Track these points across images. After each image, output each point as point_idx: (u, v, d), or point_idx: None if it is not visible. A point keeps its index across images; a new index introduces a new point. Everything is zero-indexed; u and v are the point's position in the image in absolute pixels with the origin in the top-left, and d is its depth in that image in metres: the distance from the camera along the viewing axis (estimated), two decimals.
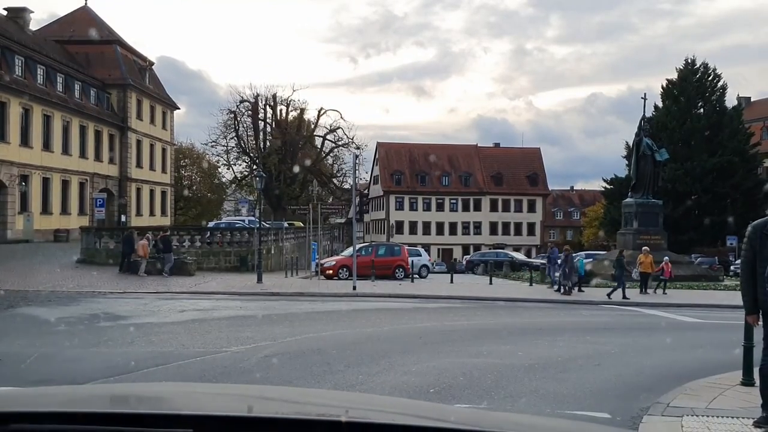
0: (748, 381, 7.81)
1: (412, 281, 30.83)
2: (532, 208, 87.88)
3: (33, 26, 48.82)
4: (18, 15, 46.09)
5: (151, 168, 57.55)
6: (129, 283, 23.99)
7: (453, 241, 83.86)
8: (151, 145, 57.44)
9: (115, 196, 51.57)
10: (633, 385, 8.57)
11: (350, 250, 31.65)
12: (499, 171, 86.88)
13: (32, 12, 47.77)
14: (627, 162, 52.07)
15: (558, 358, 10.50)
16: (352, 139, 69.84)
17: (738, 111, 57.65)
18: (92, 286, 22.47)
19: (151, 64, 59.94)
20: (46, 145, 42.95)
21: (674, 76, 58.31)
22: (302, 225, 47.11)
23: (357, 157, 33.33)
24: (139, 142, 54.87)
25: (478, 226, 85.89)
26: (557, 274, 25.54)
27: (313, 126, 72.33)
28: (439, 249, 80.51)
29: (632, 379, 9.02)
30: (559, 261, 25.60)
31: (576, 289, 25.14)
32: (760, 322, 6.36)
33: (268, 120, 70.45)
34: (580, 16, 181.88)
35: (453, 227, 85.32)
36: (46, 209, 42.69)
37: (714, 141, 54.68)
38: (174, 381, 7.93)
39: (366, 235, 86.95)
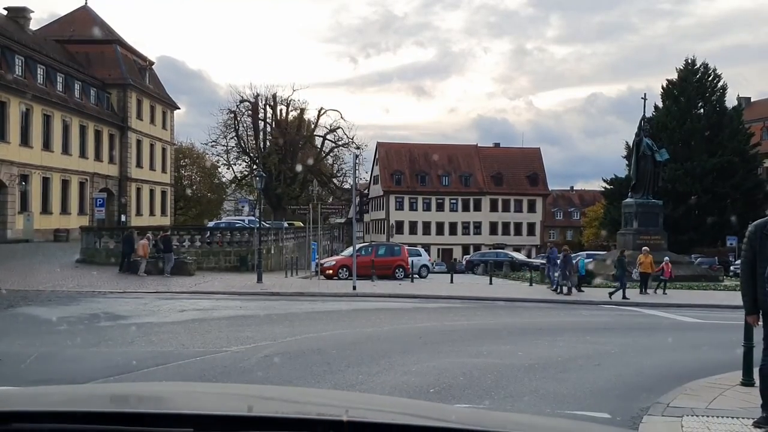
0: (748, 381, 7.81)
1: (412, 281, 30.84)
2: (532, 208, 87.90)
3: (33, 26, 48.82)
4: (18, 14, 46.09)
5: (151, 168, 57.55)
6: (129, 282, 24.00)
7: (453, 241, 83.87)
8: (151, 145, 57.44)
9: (115, 195, 51.57)
10: (633, 385, 8.57)
11: (350, 250, 31.66)
12: (499, 171, 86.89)
13: (32, 12, 47.81)
14: (627, 162, 52.10)
15: (558, 358, 10.50)
16: (352, 139, 69.87)
17: (738, 111, 57.68)
18: (92, 285, 22.48)
19: (151, 63, 59.95)
20: (46, 145, 42.95)
21: (674, 76, 58.37)
22: (302, 225, 47.12)
23: (357, 157, 33.35)
24: (139, 142, 54.88)
25: (478, 226, 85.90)
26: (556, 274, 25.57)
27: (313, 126, 72.32)
28: (439, 249, 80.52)
29: (632, 379, 9.02)
30: (558, 261, 25.63)
31: (575, 288, 25.15)
32: (760, 323, 6.36)
33: (268, 120, 70.45)
34: (580, 16, 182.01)
35: (453, 227, 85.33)
36: (46, 209, 42.70)
37: (714, 141, 54.70)
38: (174, 381, 7.93)
39: (366, 235, 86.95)
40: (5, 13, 45.53)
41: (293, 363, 9.58)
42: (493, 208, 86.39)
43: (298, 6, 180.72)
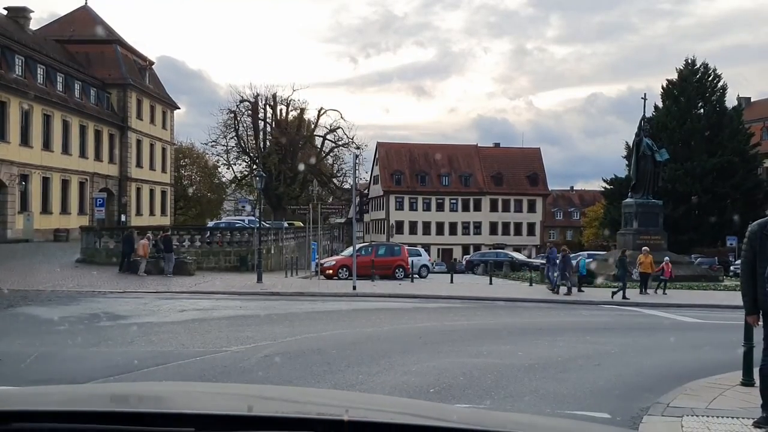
0: (748, 381, 7.81)
1: (412, 281, 30.84)
2: (532, 208, 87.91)
3: (33, 26, 48.82)
4: (18, 14, 46.09)
5: (151, 168, 57.55)
6: (129, 282, 24.00)
7: (453, 241, 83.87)
8: (151, 145, 57.44)
9: (115, 195, 51.57)
10: (633, 385, 8.57)
11: (350, 250, 31.66)
12: (499, 171, 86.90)
13: (32, 11, 47.82)
14: (627, 162, 52.10)
15: (558, 358, 10.50)
16: (352, 139, 69.89)
17: (738, 111, 57.68)
18: (92, 285, 22.48)
19: (151, 63, 59.95)
20: (46, 145, 42.95)
21: (674, 76, 58.37)
22: (302, 225, 47.12)
23: (357, 157, 33.36)
24: (139, 142, 54.88)
25: (478, 226, 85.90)
26: (555, 274, 25.59)
27: (313, 126, 72.34)
28: (439, 249, 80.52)
29: (632, 379, 9.02)
30: (557, 261, 25.65)
31: (576, 289, 25.16)
32: (760, 323, 6.36)
33: (268, 120, 70.47)
34: (580, 16, 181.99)
35: (453, 227, 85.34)
36: (46, 209, 42.69)
37: (714, 141, 54.71)
38: (174, 380, 7.93)
39: (366, 235, 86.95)
40: (5, 12, 45.54)
41: (293, 363, 9.58)
42: (493, 208, 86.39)
43: (298, 6, 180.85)
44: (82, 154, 47.25)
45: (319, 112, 71.56)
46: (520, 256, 52.97)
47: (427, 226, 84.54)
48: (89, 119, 47.93)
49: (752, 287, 6.30)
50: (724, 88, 57.28)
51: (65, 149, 45.04)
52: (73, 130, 45.92)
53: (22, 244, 36.78)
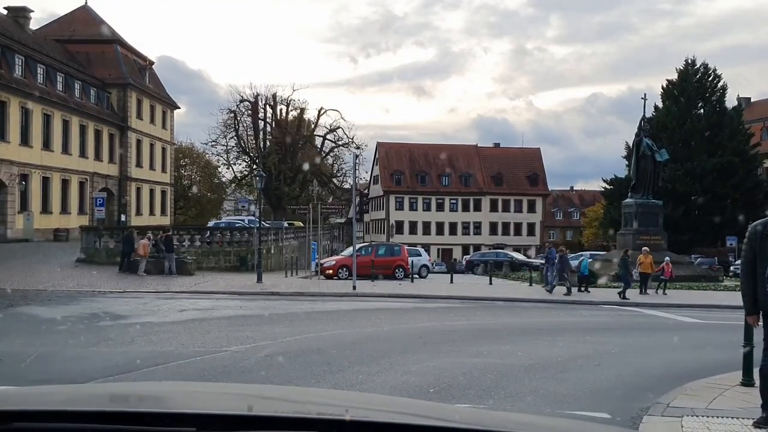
0: (748, 381, 7.81)
1: (412, 281, 30.84)
2: (532, 209, 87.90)
3: (33, 25, 48.81)
4: (18, 14, 46.08)
5: (151, 167, 57.54)
6: (129, 282, 24.00)
7: (453, 241, 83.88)
8: (151, 145, 57.43)
9: (115, 195, 51.56)
10: (633, 385, 8.57)
11: (350, 250, 31.67)
12: (499, 171, 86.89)
13: (32, 11, 47.81)
14: (627, 162, 52.11)
15: (558, 358, 10.50)
16: (352, 138, 69.93)
17: (738, 111, 57.67)
18: (92, 285, 22.47)
19: (151, 63, 59.93)
20: (46, 145, 42.94)
21: (674, 76, 58.36)
22: (302, 225, 47.13)
23: (357, 157, 33.35)
24: (139, 142, 54.87)
25: (478, 226, 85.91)
26: (553, 273, 25.59)
27: (313, 126, 72.35)
28: (439, 249, 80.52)
29: (632, 380, 9.02)
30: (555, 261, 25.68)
31: (576, 289, 25.17)
32: (761, 323, 6.36)
33: (268, 120, 70.48)
34: (580, 16, 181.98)
35: (453, 227, 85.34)
36: (46, 208, 42.68)
37: (714, 141, 54.71)
38: (174, 380, 7.93)
39: (366, 235, 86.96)
40: (5, 12, 45.53)
41: (293, 363, 9.58)
42: (493, 208, 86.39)
43: (298, 6, 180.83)
44: (82, 153, 47.24)
45: (319, 112, 71.68)
46: (519, 256, 53.00)
47: (427, 226, 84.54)
48: (89, 119, 47.92)
49: (752, 287, 6.30)
50: (724, 88, 57.30)
51: (65, 149, 45.03)
52: (73, 130, 45.91)
53: (22, 244, 36.77)
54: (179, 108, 64.58)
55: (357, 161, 31.60)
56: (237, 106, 67.90)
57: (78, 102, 46.74)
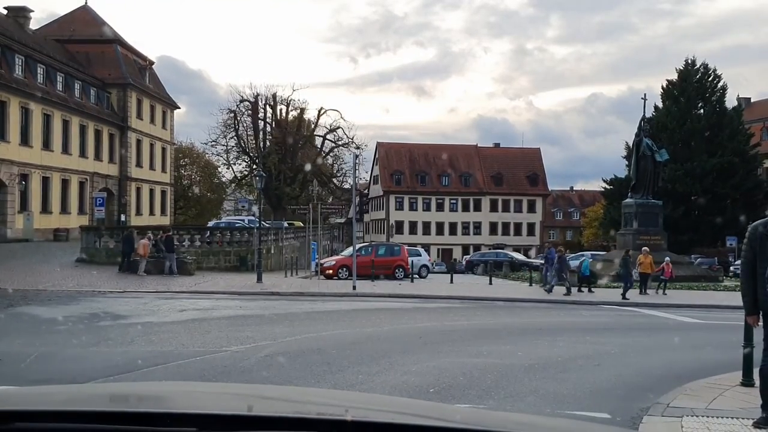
0: (747, 382, 7.81)
1: (412, 281, 30.84)
2: (532, 209, 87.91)
3: (33, 25, 48.82)
4: (18, 14, 46.09)
5: (151, 167, 57.54)
6: (129, 282, 24.00)
7: (453, 241, 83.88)
8: (151, 145, 57.43)
9: (114, 195, 51.56)
10: (633, 386, 8.57)
11: (350, 250, 31.67)
12: (499, 171, 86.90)
13: (32, 11, 47.81)
14: (627, 162, 52.10)
15: (558, 358, 10.50)
16: (352, 138, 69.93)
17: (738, 111, 57.65)
18: (92, 285, 22.48)
19: (151, 63, 59.93)
20: (46, 145, 42.94)
21: (674, 76, 58.34)
22: (302, 225, 47.14)
23: (357, 157, 33.36)
24: (139, 142, 54.87)
25: (478, 226, 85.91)
26: (551, 273, 25.59)
27: (313, 126, 72.36)
28: (438, 249, 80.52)
29: (632, 380, 9.02)
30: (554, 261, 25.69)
31: (576, 289, 25.17)
32: (761, 323, 6.36)
33: (268, 120, 70.49)
34: (580, 16, 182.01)
35: (453, 227, 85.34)
36: (45, 208, 42.68)
37: (714, 141, 54.70)
38: (174, 380, 7.93)
39: (366, 235, 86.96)
40: (5, 12, 45.52)
41: (293, 363, 9.59)
42: (493, 208, 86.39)
43: (298, 6, 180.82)
44: (82, 153, 47.24)
45: (319, 112, 71.68)
46: (519, 256, 53.01)
47: (427, 226, 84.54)
48: (89, 119, 47.92)
49: (752, 287, 6.30)
50: (724, 89, 57.29)
51: (65, 149, 45.03)
52: (73, 130, 45.91)
53: (22, 244, 36.77)
54: (179, 108, 64.61)
55: (357, 161, 31.62)
56: (237, 106, 67.99)
57: (78, 102, 46.74)
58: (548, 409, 7.09)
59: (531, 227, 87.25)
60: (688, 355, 11.33)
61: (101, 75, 50.85)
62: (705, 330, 15.43)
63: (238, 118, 68.42)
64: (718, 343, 12.35)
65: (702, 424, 6.48)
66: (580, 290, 25.28)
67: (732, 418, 6.67)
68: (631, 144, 41.94)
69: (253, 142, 69.43)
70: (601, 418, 6.74)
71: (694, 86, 56.61)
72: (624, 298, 22.68)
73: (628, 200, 35.19)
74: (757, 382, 6.65)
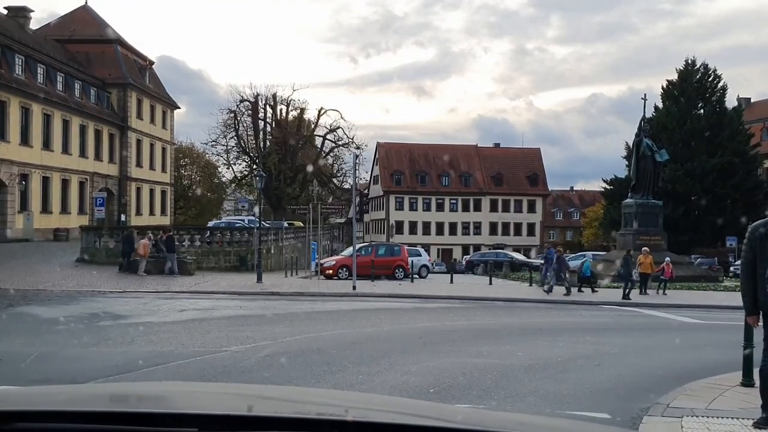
0: (748, 382, 7.81)
1: (412, 281, 30.85)
2: (532, 209, 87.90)
3: (33, 25, 48.83)
4: (18, 14, 46.11)
5: (151, 167, 57.55)
6: (129, 282, 24.00)
7: (453, 241, 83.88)
8: (151, 145, 57.44)
9: (115, 195, 51.56)
10: (633, 386, 8.57)
11: (350, 250, 31.67)
12: (499, 171, 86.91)
13: (32, 11, 47.84)
14: (627, 162, 52.10)
15: (558, 358, 10.50)
16: (352, 138, 69.92)
17: (738, 112, 57.65)
18: (92, 285, 22.48)
19: (152, 63, 59.94)
20: (46, 144, 42.94)
21: (674, 76, 58.34)
22: (302, 225, 47.13)
23: (357, 157, 33.39)
24: (139, 142, 54.88)
25: (478, 227, 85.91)
26: (550, 274, 25.59)
27: (313, 126, 72.37)
28: (438, 249, 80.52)
29: (632, 380, 9.02)
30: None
31: (576, 289, 25.16)
32: (761, 323, 6.36)
33: (268, 120, 70.50)
34: (581, 16, 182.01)
35: (453, 227, 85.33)
36: (45, 208, 42.69)
37: (714, 142, 54.70)
38: (174, 380, 7.93)
39: (366, 235, 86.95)
40: (5, 12, 45.54)
41: (293, 363, 9.59)
42: (493, 208, 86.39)
43: (298, 6, 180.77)
44: (82, 153, 47.24)
45: (319, 112, 71.68)
46: (520, 257, 53.01)
47: (427, 226, 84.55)
48: (89, 119, 47.92)
49: (752, 288, 6.30)
50: (724, 89, 57.28)
51: (65, 149, 45.03)
52: (73, 130, 45.92)
53: (22, 244, 36.77)
54: (179, 108, 64.62)
55: (357, 161, 31.64)
56: (237, 106, 68.00)
57: (78, 102, 46.75)
58: (548, 410, 7.09)
59: (531, 227, 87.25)
60: (689, 356, 11.33)
61: (101, 75, 50.86)
62: (705, 330, 15.43)
63: (238, 118, 68.47)
64: (718, 344, 12.35)
65: (702, 424, 6.48)
66: (580, 290, 25.28)
67: (732, 418, 6.67)
68: (631, 144, 41.95)
69: (253, 142, 69.45)
70: (601, 418, 6.74)
71: (694, 86, 56.61)
72: (627, 298, 22.70)
73: (628, 200, 35.20)
74: (757, 383, 6.66)
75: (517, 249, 69.63)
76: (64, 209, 44.71)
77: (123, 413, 1.67)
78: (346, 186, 69.81)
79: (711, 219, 50.99)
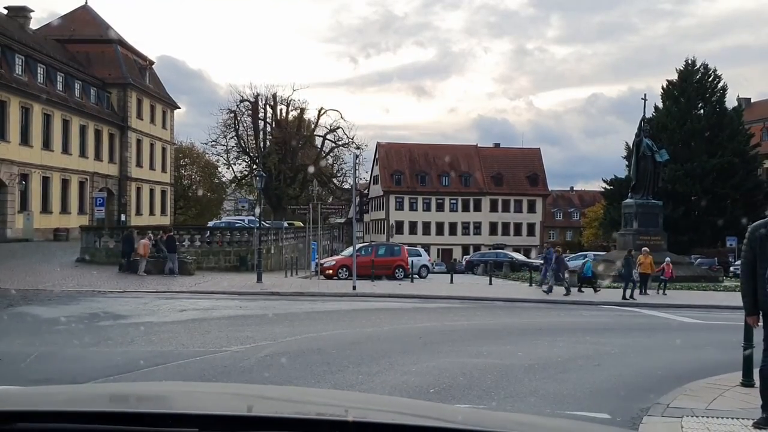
0: (747, 382, 7.81)
1: (412, 281, 30.85)
2: (532, 209, 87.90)
3: (33, 25, 48.85)
4: (18, 14, 46.13)
5: (151, 167, 57.55)
6: (129, 282, 24.00)
7: (453, 241, 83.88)
8: (151, 145, 57.44)
9: (115, 195, 51.57)
10: (633, 386, 8.57)
11: (350, 250, 31.67)
12: (499, 171, 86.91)
13: (32, 11, 47.86)
14: (627, 162, 52.10)
15: (558, 358, 10.50)
16: (352, 139, 69.92)
17: (738, 112, 57.65)
18: (92, 285, 22.48)
19: (152, 63, 59.94)
20: (46, 144, 42.95)
21: (674, 76, 58.35)
22: (302, 225, 47.14)
23: (357, 157, 33.41)
24: (139, 142, 54.88)
25: (477, 227, 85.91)
26: (549, 274, 25.59)
27: (313, 126, 72.37)
28: (438, 249, 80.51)
29: (632, 380, 9.02)
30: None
31: (576, 289, 25.15)
32: (761, 323, 6.36)
33: (268, 120, 70.49)
34: (581, 16, 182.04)
35: (453, 227, 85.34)
36: (46, 208, 42.69)
37: (714, 142, 54.70)
38: (174, 380, 7.93)
39: (366, 235, 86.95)
40: (5, 12, 45.55)
41: (293, 363, 9.59)
42: (493, 208, 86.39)
43: (298, 6, 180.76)
44: (82, 153, 47.25)
45: (319, 112, 71.68)
46: (519, 257, 53.00)
47: (427, 226, 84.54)
48: (89, 119, 47.93)
49: (752, 288, 6.30)
50: (724, 89, 57.28)
51: (65, 149, 45.04)
52: (73, 130, 45.92)
53: (22, 244, 36.78)
54: (179, 108, 64.62)
55: (357, 161, 31.65)
56: (237, 106, 68.00)
57: (78, 102, 46.75)
58: (548, 410, 7.09)
59: (531, 227, 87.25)
60: (689, 356, 11.32)
61: (101, 75, 50.86)
62: (705, 330, 15.43)
63: (238, 118, 68.47)
64: (718, 344, 12.34)
65: (702, 424, 6.48)
66: (580, 290, 25.27)
67: (732, 418, 6.67)
68: (631, 144, 41.96)
69: (253, 142, 69.44)
70: (601, 418, 6.74)
71: (694, 86, 56.61)
72: (629, 297, 22.75)
73: (628, 200, 35.20)
74: (757, 383, 6.66)
75: (517, 249, 69.61)
76: (64, 209, 44.72)
77: (123, 413, 1.67)
78: (346, 186, 69.84)
79: (711, 219, 50.99)
